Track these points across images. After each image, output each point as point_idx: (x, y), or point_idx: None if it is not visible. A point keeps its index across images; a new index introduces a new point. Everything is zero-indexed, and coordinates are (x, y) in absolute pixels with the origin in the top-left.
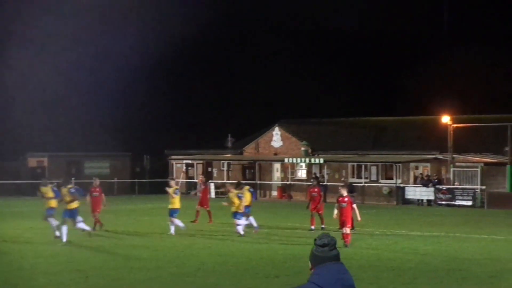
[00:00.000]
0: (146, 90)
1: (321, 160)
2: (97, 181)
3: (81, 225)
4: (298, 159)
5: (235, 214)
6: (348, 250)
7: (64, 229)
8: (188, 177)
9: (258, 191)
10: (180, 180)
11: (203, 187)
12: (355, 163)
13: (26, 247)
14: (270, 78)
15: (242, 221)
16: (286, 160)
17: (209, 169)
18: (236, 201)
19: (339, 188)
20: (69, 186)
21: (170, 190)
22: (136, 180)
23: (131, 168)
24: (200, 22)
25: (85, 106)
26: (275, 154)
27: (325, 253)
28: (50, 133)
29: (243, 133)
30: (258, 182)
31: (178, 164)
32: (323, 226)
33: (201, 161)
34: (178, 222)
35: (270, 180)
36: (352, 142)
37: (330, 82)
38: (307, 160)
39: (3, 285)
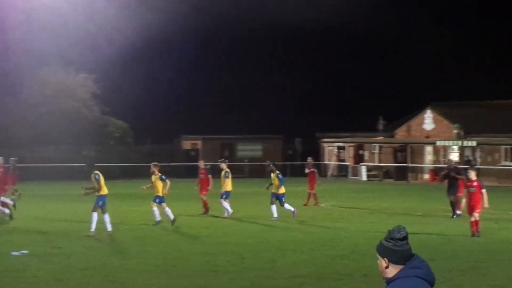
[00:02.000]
0: (298, 73)
1: (474, 143)
2: (201, 164)
3: None
4: (450, 142)
5: (156, 198)
6: (505, 235)
7: None
8: (339, 160)
9: (409, 174)
10: (332, 163)
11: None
12: (508, 146)
13: (182, 229)
14: (422, 60)
15: (156, 209)
16: (438, 143)
17: (360, 151)
18: (159, 184)
19: (468, 171)
20: None
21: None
22: (288, 162)
23: (283, 150)
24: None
25: (243, 89)
26: (427, 137)
27: (405, 246)
28: (204, 116)
29: (394, 116)
30: (410, 165)
31: (329, 147)
32: (458, 212)
33: (352, 144)
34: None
35: (422, 163)
36: (505, 125)
37: (484, 63)
38: (459, 143)
39: (161, 266)
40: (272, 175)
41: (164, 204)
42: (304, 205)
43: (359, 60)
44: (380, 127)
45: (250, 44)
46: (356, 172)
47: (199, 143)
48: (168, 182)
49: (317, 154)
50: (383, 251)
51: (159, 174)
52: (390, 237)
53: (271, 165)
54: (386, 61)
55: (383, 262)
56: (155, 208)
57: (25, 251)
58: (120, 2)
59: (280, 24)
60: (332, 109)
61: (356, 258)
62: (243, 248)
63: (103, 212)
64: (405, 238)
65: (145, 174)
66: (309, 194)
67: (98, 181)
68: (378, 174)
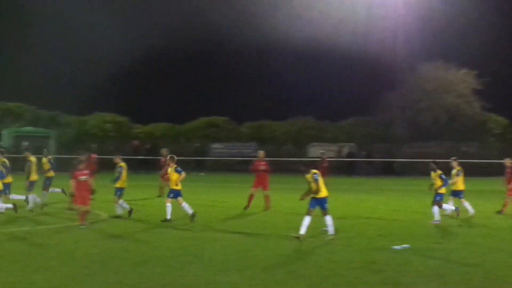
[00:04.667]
0: None
1: None
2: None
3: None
4: None
5: (170, 192)
6: None
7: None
8: None
9: None
10: None
11: None
12: None
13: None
14: None
15: (169, 205)
16: None
17: None
18: (174, 176)
19: None
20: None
21: None
22: None
23: None
24: None
25: None
26: None
27: None
28: None
29: None
30: None
31: None
32: None
33: None
34: None
35: None
36: None
37: None
38: None
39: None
40: (433, 174)
41: (180, 199)
42: None
43: None
44: None
45: None
46: None
47: None
48: (183, 174)
49: None
50: None
51: (174, 165)
52: None
53: (432, 163)
54: None
55: None
56: (169, 204)
57: (406, 245)
58: None
59: None
60: None
61: None
62: None
63: (324, 214)
64: None
65: None
66: None
67: (316, 181)
68: None
